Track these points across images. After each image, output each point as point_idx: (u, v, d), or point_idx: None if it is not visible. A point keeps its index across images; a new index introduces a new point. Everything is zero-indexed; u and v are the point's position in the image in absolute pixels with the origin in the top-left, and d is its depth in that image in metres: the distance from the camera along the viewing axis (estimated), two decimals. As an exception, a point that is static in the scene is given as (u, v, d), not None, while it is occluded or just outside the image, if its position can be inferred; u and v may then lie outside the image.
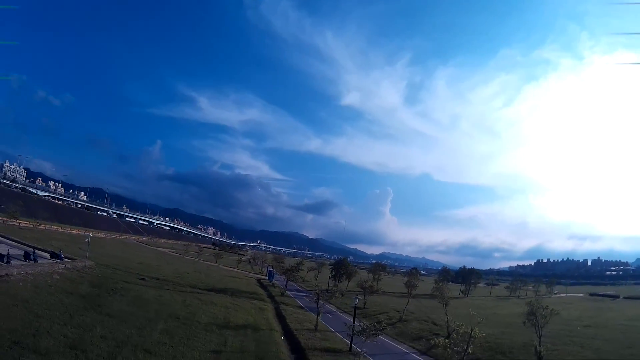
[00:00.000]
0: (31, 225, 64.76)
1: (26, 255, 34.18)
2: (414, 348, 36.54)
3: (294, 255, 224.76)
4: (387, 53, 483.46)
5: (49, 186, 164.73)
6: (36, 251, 36.20)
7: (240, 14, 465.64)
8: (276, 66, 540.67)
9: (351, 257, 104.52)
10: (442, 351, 33.60)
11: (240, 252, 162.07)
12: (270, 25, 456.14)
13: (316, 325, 38.49)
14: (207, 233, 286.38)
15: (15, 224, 57.65)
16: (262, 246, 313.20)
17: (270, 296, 56.06)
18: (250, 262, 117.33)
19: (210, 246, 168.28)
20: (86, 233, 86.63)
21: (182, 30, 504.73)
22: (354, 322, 33.47)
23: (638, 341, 31.09)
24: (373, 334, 30.72)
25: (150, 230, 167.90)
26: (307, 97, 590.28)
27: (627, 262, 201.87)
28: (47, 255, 37.74)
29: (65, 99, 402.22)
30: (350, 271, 79.52)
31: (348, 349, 31.40)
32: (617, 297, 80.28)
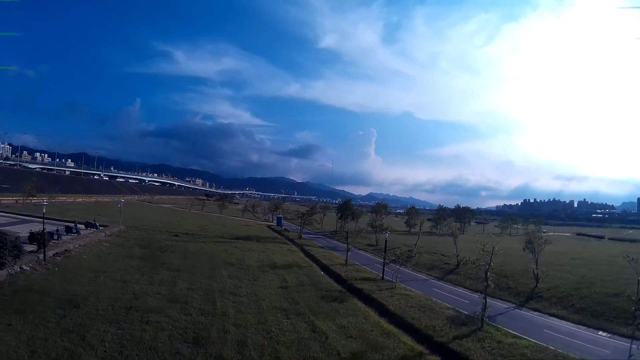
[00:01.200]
0: (45, 201, 63.83)
1: (68, 230, 34.93)
2: (431, 276, 40.18)
3: (284, 200, 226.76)
4: None
5: (36, 158, 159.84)
6: (77, 224, 36.67)
7: None
8: (250, 12, 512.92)
9: (339, 199, 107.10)
10: (456, 277, 39.05)
11: (234, 201, 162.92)
12: None
13: (346, 260, 42.17)
14: (197, 185, 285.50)
15: (35, 200, 56.63)
16: (251, 193, 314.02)
17: (290, 239, 58.72)
18: (249, 210, 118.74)
19: (204, 197, 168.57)
20: (90, 199, 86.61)
21: None
22: (385, 253, 36.91)
23: (617, 272, 34.75)
24: (406, 260, 35.21)
25: (143, 188, 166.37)
26: (283, 42, 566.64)
27: (612, 206, 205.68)
28: (82, 226, 38.10)
29: (40, 69, 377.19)
30: (355, 212, 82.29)
31: (381, 277, 34.75)
32: (603, 237, 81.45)
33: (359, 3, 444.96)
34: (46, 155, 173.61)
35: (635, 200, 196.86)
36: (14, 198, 61.92)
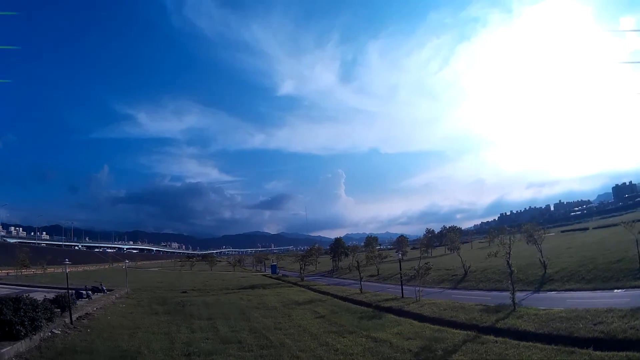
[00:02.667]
0: (41, 271, 59.90)
1: (79, 295, 32.48)
2: (444, 288, 40.52)
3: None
4: (316, 35, 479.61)
5: (11, 232, 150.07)
6: (87, 289, 34.37)
7: (165, 21, 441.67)
8: (208, 68, 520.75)
9: (317, 244, 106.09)
10: (468, 284, 39.88)
11: (218, 260, 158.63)
12: (195, 28, 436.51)
13: (360, 289, 41.07)
14: (174, 249, 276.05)
15: (25, 272, 52.98)
16: (227, 251, 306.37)
17: (293, 283, 56.86)
18: (237, 264, 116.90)
19: (185, 259, 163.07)
20: (78, 269, 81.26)
21: (110, 46, 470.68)
22: (401, 272, 36.75)
23: (613, 246, 38.10)
24: (425, 273, 35.45)
25: (123, 255, 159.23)
26: (243, 94, 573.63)
27: (589, 201, 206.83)
28: (90, 292, 35.70)
29: (7, 139, 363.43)
30: (347, 250, 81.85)
31: (401, 296, 34.12)
32: (587, 229, 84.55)
33: (313, 45, 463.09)
34: (21, 229, 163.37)
35: (610, 191, 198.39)
36: (3, 270, 57.95)
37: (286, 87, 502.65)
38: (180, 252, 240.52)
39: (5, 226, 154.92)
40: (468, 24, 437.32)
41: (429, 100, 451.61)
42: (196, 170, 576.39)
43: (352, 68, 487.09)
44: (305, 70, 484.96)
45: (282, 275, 73.03)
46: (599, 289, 26.91)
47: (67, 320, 22.35)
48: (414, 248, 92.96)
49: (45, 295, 24.77)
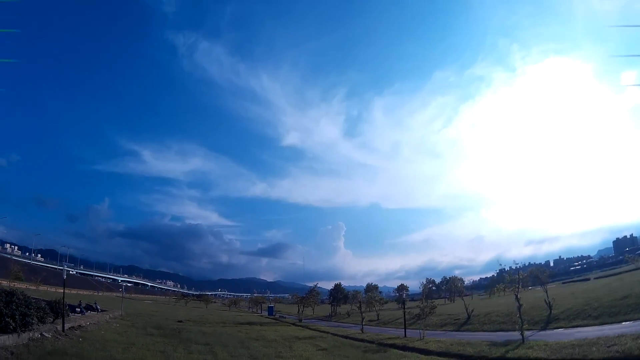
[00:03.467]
0: (34, 287, 57.46)
1: (72, 309, 30.64)
2: (446, 330, 38.47)
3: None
4: (322, 90, 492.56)
5: (6, 249, 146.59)
6: (81, 304, 32.72)
7: (175, 64, 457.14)
8: (215, 113, 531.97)
9: (316, 288, 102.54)
10: (471, 327, 38.08)
11: (213, 300, 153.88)
12: (205, 73, 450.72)
13: (362, 329, 39.75)
14: (168, 286, 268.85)
15: (18, 286, 50.83)
16: (223, 294, 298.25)
17: (291, 323, 54.04)
18: (231, 305, 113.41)
19: (180, 297, 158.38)
20: (71, 292, 78.30)
21: (120, 84, 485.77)
22: (404, 311, 35.84)
23: (618, 288, 36.94)
24: (429, 312, 34.72)
25: (117, 286, 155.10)
26: (248, 142, 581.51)
27: (589, 255, 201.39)
28: (83, 308, 34.01)
29: (11, 158, 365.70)
30: (347, 295, 79.33)
31: (404, 335, 32.08)
32: (588, 279, 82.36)
33: (319, 99, 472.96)
34: (16, 247, 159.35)
35: (611, 245, 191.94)
36: None
37: (290, 138, 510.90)
38: (175, 290, 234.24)
39: (1, 242, 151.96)
40: (472, 83, 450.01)
41: (431, 158, 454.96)
42: (196, 213, 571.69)
43: (356, 123, 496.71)
44: (310, 123, 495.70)
45: (280, 317, 69.91)
46: (607, 324, 25.51)
47: (59, 327, 20.84)
48: (412, 300, 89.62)
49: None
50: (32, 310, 17.09)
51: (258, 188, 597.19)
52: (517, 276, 26.09)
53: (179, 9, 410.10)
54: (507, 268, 27.25)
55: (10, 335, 15.25)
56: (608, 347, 15.70)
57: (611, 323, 25.24)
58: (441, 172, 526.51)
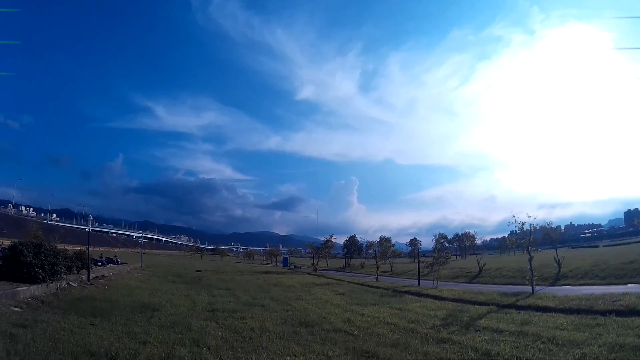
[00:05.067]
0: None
1: (94, 262, 31.64)
2: (458, 282, 38.82)
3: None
4: (338, 44, 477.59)
5: (21, 211, 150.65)
6: (102, 257, 33.86)
7: (189, 18, 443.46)
8: (229, 67, 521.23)
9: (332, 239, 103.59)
10: (483, 279, 38.66)
11: (227, 254, 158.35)
12: (219, 27, 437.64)
13: (376, 277, 40.56)
14: (182, 241, 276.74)
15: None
16: (236, 248, 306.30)
17: (307, 273, 55.70)
18: (246, 257, 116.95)
19: (194, 251, 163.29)
20: (92, 249, 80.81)
21: (133, 39, 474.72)
22: (418, 261, 38.05)
23: (625, 252, 38.92)
24: (444, 262, 35.54)
25: (132, 242, 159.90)
26: (262, 96, 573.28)
27: (600, 224, 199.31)
28: (104, 260, 35.25)
29: (24, 120, 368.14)
30: (361, 247, 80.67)
31: (417, 284, 33.01)
32: (597, 246, 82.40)
33: (335, 53, 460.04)
34: (32, 209, 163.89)
35: (622, 217, 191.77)
36: (14, 241, 57.52)
37: (305, 92, 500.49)
38: (189, 245, 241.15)
39: (16, 205, 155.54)
40: (490, 43, 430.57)
41: (447, 116, 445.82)
42: (210, 167, 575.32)
43: (372, 78, 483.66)
44: (326, 77, 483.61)
45: (295, 267, 71.91)
46: (613, 284, 25.81)
47: (84, 277, 21.54)
48: (424, 256, 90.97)
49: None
50: (60, 260, 17.52)
51: (272, 141, 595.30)
52: (530, 229, 26.02)
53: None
54: (519, 225, 26.53)
55: (40, 286, 15.66)
56: (613, 301, 16.01)
57: (617, 284, 25.39)
58: (456, 131, 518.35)
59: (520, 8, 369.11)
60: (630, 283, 25.27)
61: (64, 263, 17.89)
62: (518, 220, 25.76)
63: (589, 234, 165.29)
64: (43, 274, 15.91)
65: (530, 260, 24.48)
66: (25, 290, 14.46)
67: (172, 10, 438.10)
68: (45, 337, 9.85)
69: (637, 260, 30.65)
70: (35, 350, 8.73)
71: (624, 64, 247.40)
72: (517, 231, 27.74)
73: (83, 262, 22.37)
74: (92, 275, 23.04)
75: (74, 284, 19.07)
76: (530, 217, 25.84)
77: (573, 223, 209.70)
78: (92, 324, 12.65)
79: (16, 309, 12.28)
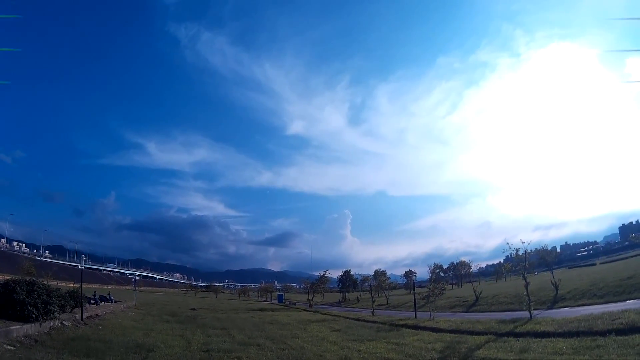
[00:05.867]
0: (45, 282, 58.16)
1: (87, 300, 31.08)
2: (455, 312, 38.61)
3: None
4: (326, 77, 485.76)
5: (13, 247, 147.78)
6: (95, 295, 33.29)
7: (178, 55, 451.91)
8: (218, 103, 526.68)
9: (327, 274, 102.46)
10: (480, 307, 38.21)
11: (221, 291, 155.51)
12: (208, 63, 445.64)
13: (372, 312, 39.84)
14: (176, 278, 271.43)
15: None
16: (231, 285, 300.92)
17: (303, 309, 54.62)
18: (240, 294, 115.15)
19: (188, 288, 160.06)
20: (85, 286, 79.06)
21: (123, 77, 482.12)
22: (414, 293, 38.01)
23: (622, 269, 38.49)
24: (439, 293, 34.73)
25: (126, 279, 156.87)
26: (252, 131, 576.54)
27: (595, 242, 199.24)
28: (97, 299, 34.62)
29: (16, 155, 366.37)
30: (356, 281, 79.85)
31: (414, 317, 32.46)
32: (594, 264, 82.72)
33: (324, 87, 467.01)
34: (24, 244, 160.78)
35: (617, 232, 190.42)
36: (6, 277, 56.27)
37: (295, 127, 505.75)
38: (183, 282, 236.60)
39: (9, 240, 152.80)
40: (477, 69, 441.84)
41: (437, 144, 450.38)
42: (202, 204, 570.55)
43: (361, 111, 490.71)
44: (315, 111, 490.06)
45: (290, 303, 70.61)
46: (612, 302, 25.84)
47: (78, 316, 21.14)
48: (420, 286, 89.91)
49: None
50: (53, 299, 17.31)
51: (264, 177, 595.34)
52: (525, 254, 26.10)
53: (180, 0, 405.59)
54: (514, 251, 26.63)
55: (33, 325, 15.40)
56: (612, 320, 15.94)
57: (616, 302, 25.45)
58: (447, 159, 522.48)
59: (505, 32, 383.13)
60: (629, 299, 25.21)
61: (57, 302, 17.63)
62: (512, 247, 25.76)
63: (585, 252, 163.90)
64: (36, 312, 15.71)
65: (526, 285, 24.48)
66: (18, 329, 14.26)
67: (161, 47, 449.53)
68: (40, 377, 9.73)
69: (634, 275, 30.64)
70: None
71: (610, 79, 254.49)
72: (512, 257, 27.73)
73: (76, 300, 21.99)
74: (85, 314, 22.59)
75: (67, 324, 18.73)
76: (524, 242, 25.94)
77: (569, 242, 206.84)
78: (86, 364, 12.54)
79: (9, 347, 12.11)
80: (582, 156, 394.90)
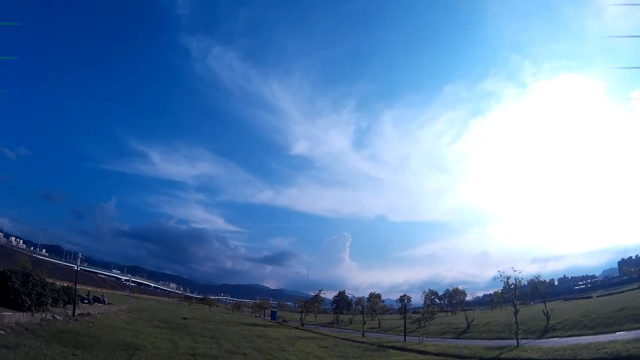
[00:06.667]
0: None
1: (80, 299, 31.17)
2: (446, 338, 37.94)
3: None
4: (333, 100, 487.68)
5: (11, 242, 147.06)
6: (89, 295, 33.40)
7: (187, 67, 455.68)
8: (224, 118, 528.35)
9: (321, 294, 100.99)
10: (471, 334, 37.78)
11: (216, 304, 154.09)
12: (216, 77, 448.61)
13: (363, 333, 40.33)
14: (171, 288, 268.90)
15: None
16: (226, 299, 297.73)
17: (295, 327, 54.02)
18: (234, 309, 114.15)
19: (183, 299, 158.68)
20: (79, 287, 78.69)
21: (132, 84, 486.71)
22: (405, 316, 38.19)
23: (615, 301, 38.73)
24: (429, 317, 34.92)
25: (121, 285, 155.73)
26: (256, 149, 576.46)
27: (594, 275, 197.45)
28: (90, 299, 34.70)
29: (20, 152, 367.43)
30: (350, 303, 78.92)
31: (404, 340, 32.64)
32: (590, 297, 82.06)
33: (330, 109, 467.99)
34: (21, 241, 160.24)
35: (616, 266, 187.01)
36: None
37: (299, 147, 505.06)
38: (178, 292, 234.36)
39: (7, 235, 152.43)
40: (483, 98, 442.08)
41: (439, 172, 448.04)
42: (202, 217, 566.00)
43: (365, 135, 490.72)
44: (320, 132, 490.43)
45: (282, 321, 69.90)
46: (602, 333, 25.53)
47: (70, 312, 21.29)
48: (415, 312, 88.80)
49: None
50: (47, 292, 17.57)
51: (265, 195, 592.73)
52: (515, 283, 26.10)
53: (193, 12, 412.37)
54: (505, 279, 26.62)
55: (25, 314, 15.66)
56: (598, 349, 16.07)
57: (606, 333, 25.17)
58: (448, 186, 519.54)
59: (513, 63, 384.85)
60: (620, 331, 25.00)
61: (51, 295, 17.87)
62: (503, 275, 25.76)
63: (583, 286, 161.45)
64: (29, 302, 15.95)
65: (515, 313, 24.48)
66: (10, 316, 14.50)
67: (171, 58, 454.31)
68: (27, 359, 9.97)
69: (627, 307, 30.37)
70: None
71: (615, 112, 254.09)
72: (504, 285, 27.58)
73: (69, 297, 22.17)
74: (77, 312, 22.69)
75: (58, 317, 18.88)
76: (515, 271, 25.91)
77: (567, 276, 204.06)
78: (74, 354, 12.68)
79: (0, 331, 12.36)
80: (583, 189, 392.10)
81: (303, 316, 61.98)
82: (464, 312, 52.00)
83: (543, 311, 34.99)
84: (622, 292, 47.59)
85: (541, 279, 45.20)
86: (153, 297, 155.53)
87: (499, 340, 28.95)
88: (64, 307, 21.89)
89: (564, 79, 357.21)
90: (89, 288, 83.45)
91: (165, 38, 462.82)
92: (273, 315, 79.51)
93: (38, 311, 16.90)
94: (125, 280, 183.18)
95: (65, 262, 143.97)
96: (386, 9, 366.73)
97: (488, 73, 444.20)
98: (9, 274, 16.46)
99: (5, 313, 14.44)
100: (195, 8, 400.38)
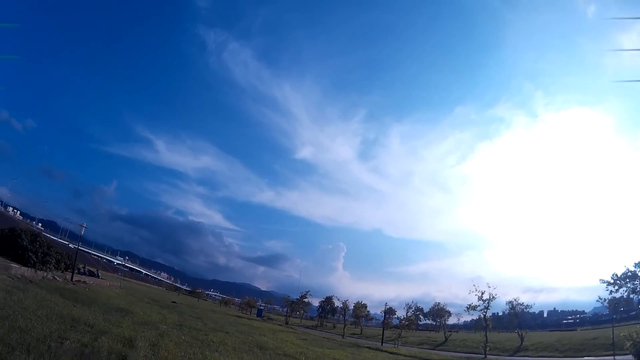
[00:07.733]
0: None
1: (77, 270, 32.52)
2: (423, 348, 39.01)
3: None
4: (343, 108, 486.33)
5: (9, 211, 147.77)
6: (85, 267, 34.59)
7: (202, 60, 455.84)
8: (232, 115, 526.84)
9: (308, 297, 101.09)
10: (447, 347, 39.09)
11: (204, 298, 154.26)
12: (230, 73, 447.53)
13: (343, 334, 42.30)
14: (162, 277, 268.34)
15: None
16: (215, 295, 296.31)
17: (279, 324, 54.98)
18: (222, 304, 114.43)
19: (173, 289, 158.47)
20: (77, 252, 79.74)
21: (144, 71, 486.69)
22: (384, 323, 39.39)
23: (589, 334, 38.55)
24: (407, 325, 35.01)
25: (113, 268, 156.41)
26: (261, 149, 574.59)
27: (583, 311, 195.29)
28: (85, 271, 35.88)
29: (27, 124, 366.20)
30: (335, 308, 79.42)
31: (381, 344, 34.55)
32: (575, 329, 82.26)
33: (339, 117, 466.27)
34: (18, 212, 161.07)
35: (607, 304, 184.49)
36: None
37: (304, 152, 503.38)
38: (167, 282, 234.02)
39: (5, 205, 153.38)
40: (492, 123, 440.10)
41: (440, 192, 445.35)
42: (200, 210, 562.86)
43: (372, 147, 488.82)
44: (326, 139, 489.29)
45: (268, 319, 70.74)
46: (570, 357, 26.90)
47: (68, 277, 22.62)
48: (397, 327, 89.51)
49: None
50: (52, 253, 18.91)
51: (265, 196, 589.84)
52: (489, 298, 27.15)
53: (214, 5, 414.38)
54: (499, 313, 28.07)
55: (30, 269, 16.96)
56: None
57: (574, 357, 26.49)
58: (448, 207, 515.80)
59: (525, 91, 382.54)
60: (588, 356, 26.34)
61: (55, 256, 19.13)
62: (477, 289, 26.83)
63: (571, 320, 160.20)
64: (35, 259, 17.20)
65: (485, 327, 25.54)
66: (17, 269, 15.74)
67: (187, 49, 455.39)
68: (35, 300, 11.24)
69: (599, 337, 31.35)
70: (26, 305, 10.15)
71: (623, 150, 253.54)
72: (477, 298, 28.43)
73: (69, 263, 23.44)
74: (75, 278, 24.03)
75: (58, 279, 20.10)
76: (490, 287, 27.02)
77: (557, 309, 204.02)
78: (74, 306, 13.95)
79: (8, 278, 13.64)
80: (581, 224, 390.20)
81: (288, 315, 62.80)
82: (443, 330, 52.83)
83: (518, 333, 36.06)
84: (607, 328, 48.04)
85: (520, 302, 45.54)
86: (144, 283, 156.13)
87: (470, 354, 30.03)
88: (63, 271, 23.05)
89: (575, 112, 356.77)
90: (80, 265, 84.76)
91: (182, 28, 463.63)
92: (259, 313, 79.91)
93: (41, 269, 18.09)
94: (118, 263, 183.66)
95: (60, 238, 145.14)
96: (404, 23, 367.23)
97: (500, 99, 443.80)
98: (19, 232, 17.72)
99: (13, 265, 15.64)
100: (216, 1, 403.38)
